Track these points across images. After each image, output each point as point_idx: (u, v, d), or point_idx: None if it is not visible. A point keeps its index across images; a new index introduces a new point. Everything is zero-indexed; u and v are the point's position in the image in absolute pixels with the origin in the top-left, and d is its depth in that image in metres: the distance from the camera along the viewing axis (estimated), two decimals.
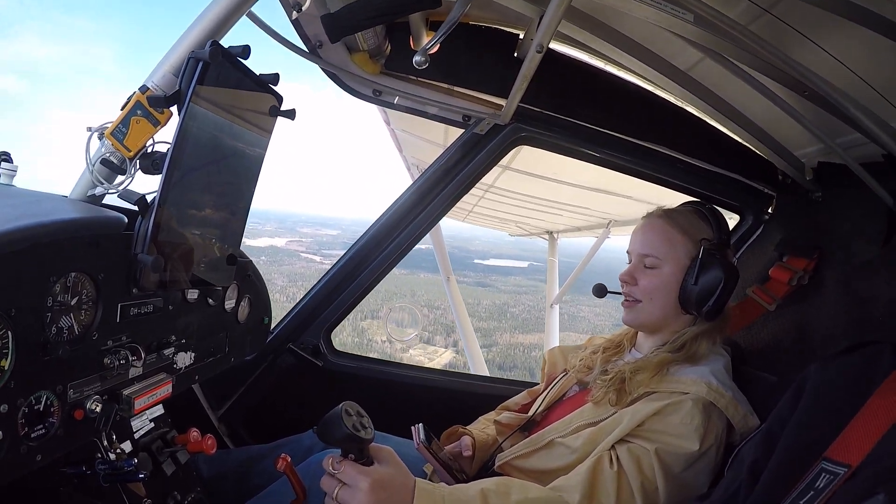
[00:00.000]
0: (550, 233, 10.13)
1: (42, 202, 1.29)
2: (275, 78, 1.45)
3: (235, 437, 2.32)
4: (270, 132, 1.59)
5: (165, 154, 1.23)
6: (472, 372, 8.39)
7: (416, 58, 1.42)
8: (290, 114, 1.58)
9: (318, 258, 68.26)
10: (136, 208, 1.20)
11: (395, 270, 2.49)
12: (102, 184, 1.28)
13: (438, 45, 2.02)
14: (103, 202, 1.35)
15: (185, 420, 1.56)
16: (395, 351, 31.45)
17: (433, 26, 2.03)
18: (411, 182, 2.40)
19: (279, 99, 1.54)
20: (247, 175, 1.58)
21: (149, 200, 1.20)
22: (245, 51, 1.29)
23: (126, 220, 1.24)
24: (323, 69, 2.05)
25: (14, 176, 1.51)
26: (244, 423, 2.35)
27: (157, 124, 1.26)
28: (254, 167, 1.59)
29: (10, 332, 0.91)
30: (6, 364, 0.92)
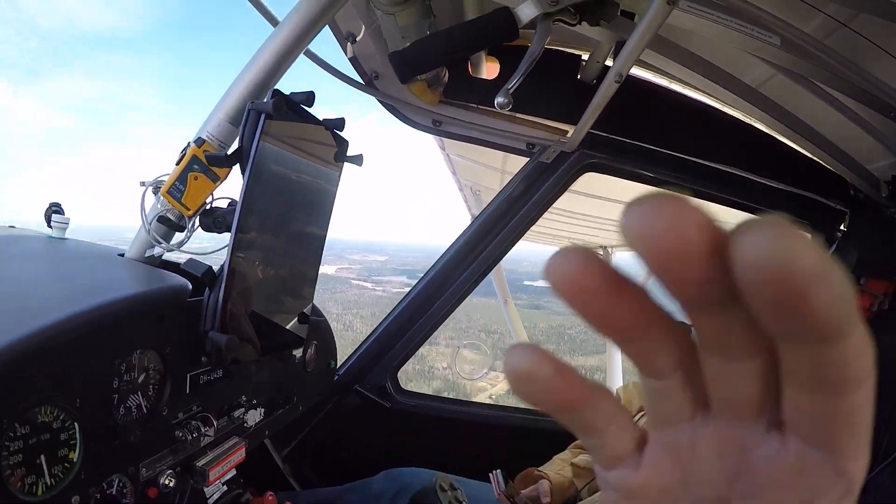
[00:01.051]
0: (605, 248, 9.82)
1: (100, 268, 1.24)
2: (341, 123, 1.39)
3: (300, 477, 2.28)
4: (338, 181, 1.51)
5: (229, 212, 1.17)
6: None
7: (499, 100, 1.29)
8: (358, 159, 1.50)
9: (369, 284, 68.69)
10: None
11: None
12: (160, 242, 1.23)
13: (498, 72, 1.95)
14: (163, 260, 1.31)
15: (249, 460, 1.45)
16: (458, 377, 31.22)
17: (492, 51, 1.97)
18: (464, 204, 2.31)
19: (346, 145, 1.47)
20: (317, 228, 1.51)
21: (215, 270, 1.14)
22: (309, 98, 1.21)
23: (191, 287, 1.17)
24: (380, 101, 2.01)
25: (66, 228, 1.47)
26: (310, 463, 2.30)
27: (217, 180, 1.19)
28: (323, 219, 1.52)
29: (76, 424, 0.89)
30: (75, 456, 0.89)
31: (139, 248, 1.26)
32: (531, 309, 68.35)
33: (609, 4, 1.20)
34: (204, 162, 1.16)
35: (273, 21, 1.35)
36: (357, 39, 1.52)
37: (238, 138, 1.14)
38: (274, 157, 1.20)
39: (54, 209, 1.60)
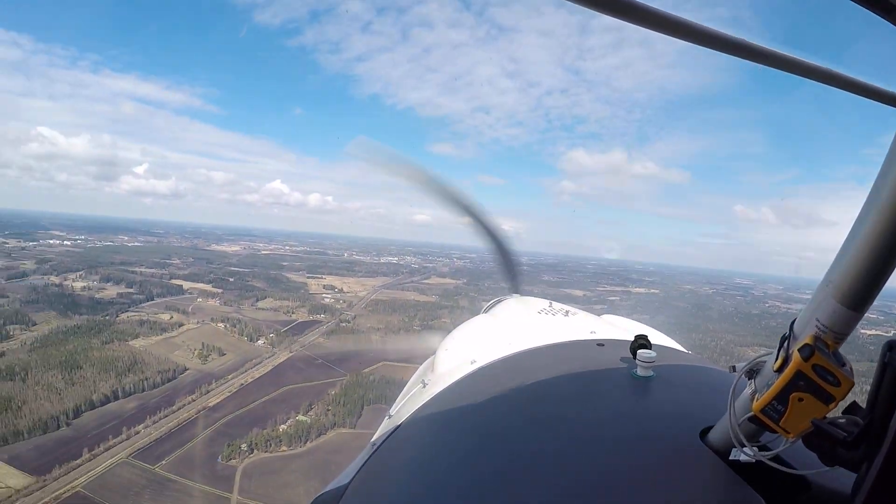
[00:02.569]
0: None
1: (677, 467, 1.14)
2: None
3: None
4: None
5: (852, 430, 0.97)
6: None
7: None
8: None
9: None
10: None
11: None
12: (745, 446, 1.12)
13: None
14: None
15: None
16: None
17: None
18: None
19: None
20: None
21: None
22: None
23: None
24: None
25: (651, 364, 1.52)
26: None
27: (831, 402, 1.01)
28: None
29: None
30: None
31: (719, 438, 1.22)
32: None
33: None
34: (815, 381, 0.94)
35: None
36: None
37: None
38: None
39: (640, 343, 1.71)
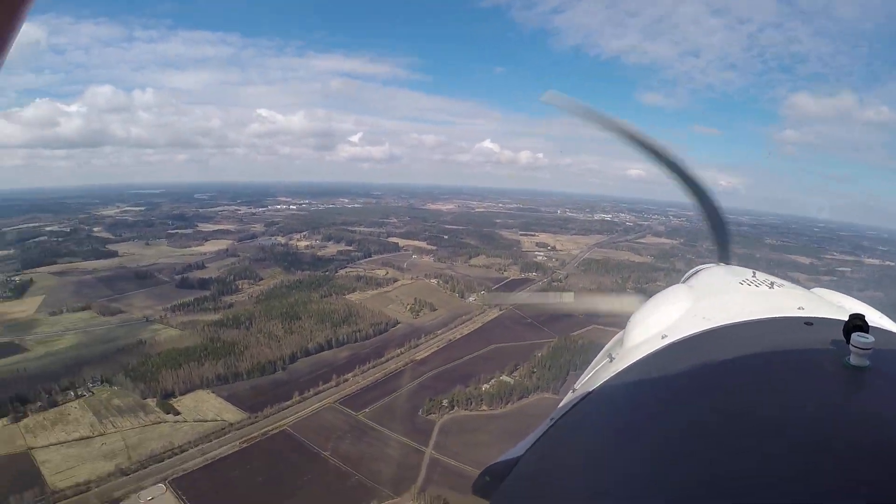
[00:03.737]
0: None
1: None
2: None
3: None
4: None
5: None
6: None
7: None
8: None
9: None
10: None
11: None
12: None
13: None
14: None
15: None
16: None
17: None
18: None
19: None
20: None
21: None
22: None
23: None
24: None
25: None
26: None
27: None
28: None
29: None
30: None
31: None
32: None
33: None
34: None
35: None
36: None
37: None
38: None
39: (856, 324, 1.74)
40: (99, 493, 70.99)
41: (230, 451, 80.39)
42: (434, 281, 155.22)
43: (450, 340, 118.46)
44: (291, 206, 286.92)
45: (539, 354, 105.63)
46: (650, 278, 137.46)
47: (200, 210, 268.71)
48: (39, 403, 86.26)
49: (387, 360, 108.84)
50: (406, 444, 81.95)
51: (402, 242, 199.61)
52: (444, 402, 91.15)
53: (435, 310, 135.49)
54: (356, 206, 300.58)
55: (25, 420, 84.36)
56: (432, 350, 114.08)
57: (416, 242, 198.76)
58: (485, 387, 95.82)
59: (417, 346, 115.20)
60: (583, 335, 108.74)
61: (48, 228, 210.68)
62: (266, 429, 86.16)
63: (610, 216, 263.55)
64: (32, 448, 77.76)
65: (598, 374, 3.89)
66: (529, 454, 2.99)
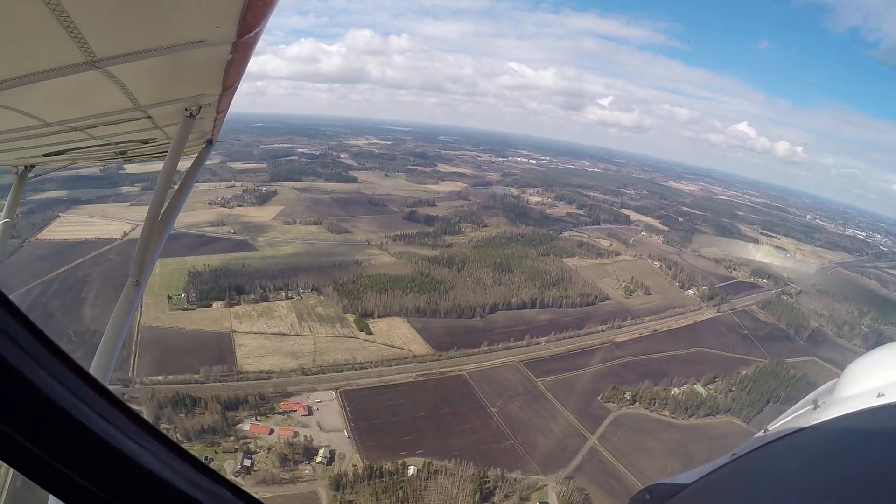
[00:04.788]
0: None
1: None
2: None
3: None
4: None
5: None
6: None
7: None
8: None
9: None
10: None
11: None
12: None
13: None
14: None
15: None
16: None
17: None
18: None
19: None
20: None
21: None
22: None
23: None
24: None
25: None
26: None
27: None
28: None
29: None
30: None
31: None
32: None
33: None
34: None
35: None
36: None
37: None
38: None
39: None
40: (275, 384, 77.64)
41: (404, 380, 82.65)
42: (657, 263, 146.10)
43: (654, 331, 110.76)
44: (531, 161, 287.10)
45: (743, 372, 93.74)
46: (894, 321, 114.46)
47: (442, 151, 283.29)
48: (253, 296, 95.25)
49: (584, 334, 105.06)
50: (572, 424, 78.10)
51: (633, 216, 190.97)
52: (627, 395, 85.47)
53: (649, 294, 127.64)
54: (596, 170, 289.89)
55: (237, 307, 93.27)
56: (633, 336, 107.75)
57: (649, 219, 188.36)
58: (674, 391, 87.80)
59: (620, 327, 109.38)
60: (798, 364, 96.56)
61: (300, 150, 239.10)
62: (445, 369, 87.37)
63: (864, 234, 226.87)
64: (235, 332, 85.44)
65: (799, 418, 3.72)
66: (701, 484, 2.77)
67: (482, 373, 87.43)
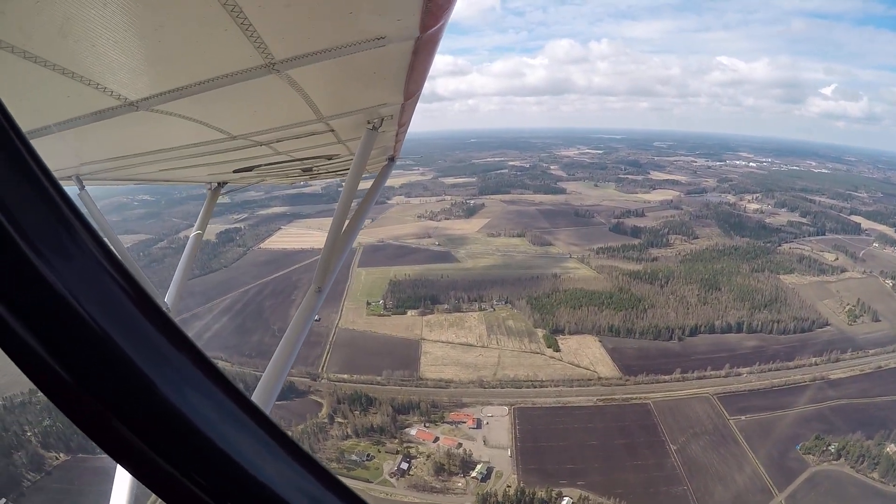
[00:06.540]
0: None
1: None
2: None
3: None
4: None
5: None
6: None
7: None
8: None
9: None
10: None
11: None
12: None
13: None
14: None
15: None
16: None
17: None
18: None
19: None
20: None
21: None
22: None
23: None
24: None
25: None
26: None
27: None
28: None
29: None
30: None
31: None
32: None
33: None
34: None
35: None
36: None
37: None
38: None
39: None
40: (451, 393, 79.96)
41: (583, 403, 79.30)
42: (889, 282, 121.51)
43: (879, 367, 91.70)
44: (751, 164, 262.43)
45: None
46: None
47: (656, 158, 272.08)
48: (446, 306, 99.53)
49: (794, 367, 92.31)
50: (760, 476, 67.98)
51: (865, 224, 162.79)
52: (832, 447, 71.54)
53: (878, 321, 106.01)
54: (823, 171, 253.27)
55: (429, 316, 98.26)
56: (852, 373, 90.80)
57: (883, 228, 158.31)
58: (890, 448, 70.78)
59: (837, 361, 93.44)
60: None
61: (510, 163, 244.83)
62: (629, 395, 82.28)
63: None
64: (424, 339, 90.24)
65: None
66: None
67: (669, 403, 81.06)
